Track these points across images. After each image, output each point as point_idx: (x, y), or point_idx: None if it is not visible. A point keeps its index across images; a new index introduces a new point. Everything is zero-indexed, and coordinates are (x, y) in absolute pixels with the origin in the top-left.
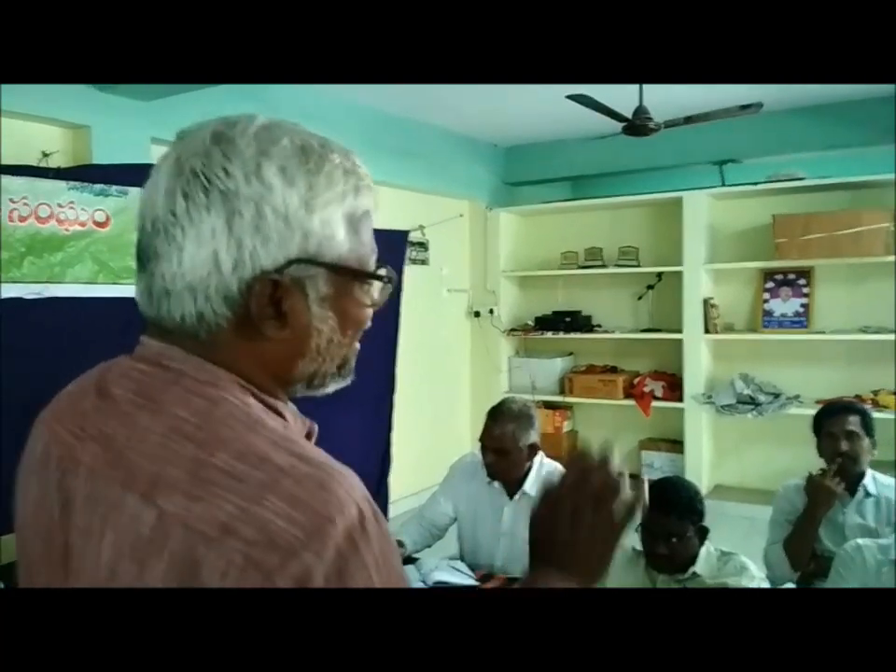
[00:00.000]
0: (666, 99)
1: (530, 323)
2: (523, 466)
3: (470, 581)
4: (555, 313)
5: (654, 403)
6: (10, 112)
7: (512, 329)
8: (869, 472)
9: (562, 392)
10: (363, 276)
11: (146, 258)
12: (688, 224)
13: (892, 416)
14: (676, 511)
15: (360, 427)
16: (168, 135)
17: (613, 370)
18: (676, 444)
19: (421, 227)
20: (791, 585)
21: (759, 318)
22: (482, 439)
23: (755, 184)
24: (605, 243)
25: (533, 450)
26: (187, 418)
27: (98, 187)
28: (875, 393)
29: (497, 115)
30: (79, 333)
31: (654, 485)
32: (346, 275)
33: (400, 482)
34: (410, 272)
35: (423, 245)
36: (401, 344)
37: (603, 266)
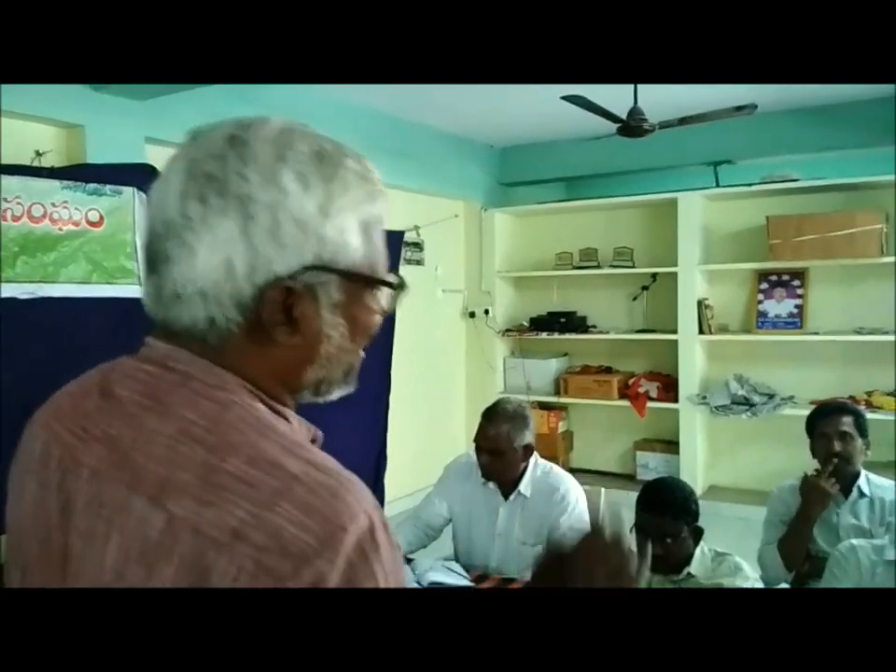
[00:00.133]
0: (661, 100)
1: (525, 323)
2: (518, 466)
3: (465, 582)
4: (550, 313)
5: (649, 404)
6: (4, 111)
7: (507, 330)
8: (863, 473)
9: (557, 393)
10: (375, 283)
11: (156, 260)
12: (682, 225)
13: (886, 417)
14: (670, 511)
15: (356, 428)
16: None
17: (608, 370)
18: (671, 445)
19: (416, 227)
20: (785, 586)
21: (753, 319)
22: (476, 439)
23: (749, 185)
24: (600, 243)
25: (528, 451)
26: (196, 421)
27: (92, 186)
28: (869, 394)
29: (492, 115)
30: (73, 333)
31: (649, 486)
32: (359, 282)
33: (395, 482)
34: (405, 272)
35: (418, 246)
36: (396, 345)
37: (598, 267)
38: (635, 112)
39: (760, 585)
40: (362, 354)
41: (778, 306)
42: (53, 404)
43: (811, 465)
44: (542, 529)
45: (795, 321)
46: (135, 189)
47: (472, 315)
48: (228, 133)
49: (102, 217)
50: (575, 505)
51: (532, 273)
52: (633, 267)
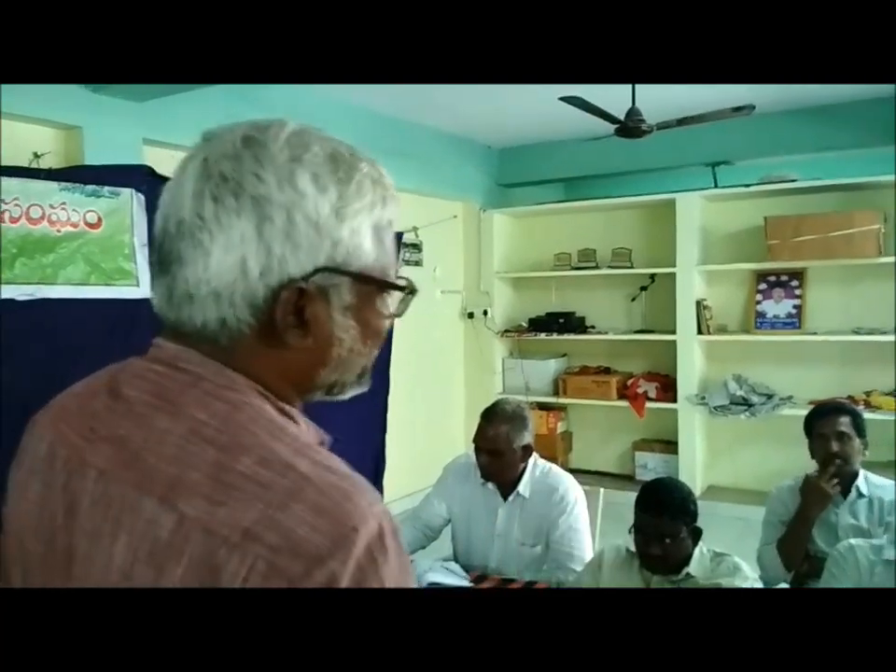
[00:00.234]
0: (659, 101)
1: (524, 324)
2: (517, 467)
3: (464, 583)
4: (549, 314)
5: (648, 404)
6: (3, 113)
7: (506, 331)
8: (861, 473)
9: (556, 393)
10: (387, 286)
11: (168, 261)
12: (681, 226)
13: (884, 417)
14: (669, 512)
15: (354, 429)
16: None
17: (607, 371)
18: (669, 445)
19: (415, 228)
20: (784, 586)
21: (752, 319)
22: (475, 440)
23: (748, 186)
24: (598, 244)
25: (527, 451)
26: (207, 421)
27: (90, 188)
28: (868, 394)
29: (490, 116)
30: (71, 334)
31: (647, 487)
32: (370, 285)
33: (394, 483)
34: (403, 273)
35: (416, 247)
36: (395, 346)
37: (596, 267)
38: (633, 113)
39: (759, 585)
40: (374, 355)
41: (777, 306)
42: (59, 405)
43: (810, 465)
44: (541, 529)
45: (794, 321)
46: (133, 191)
47: (471, 315)
48: (243, 135)
49: (100, 219)
50: (574, 505)
51: (531, 273)
52: (631, 268)
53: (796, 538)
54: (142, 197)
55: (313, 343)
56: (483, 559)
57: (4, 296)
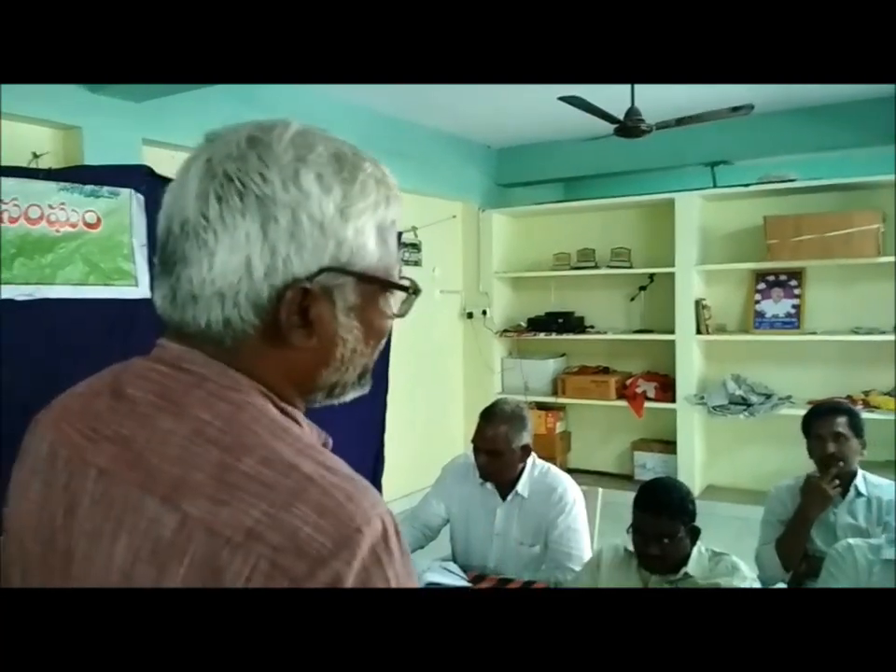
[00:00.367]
0: (658, 101)
1: (523, 324)
2: (515, 467)
3: (463, 583)
4: (548, 314)
5: (647, 404)
6: (1, 113)
7: (505, 331)
8: (860, 473)
9: (555, 393)
10: (391, 286)
11: (171, 261)
12: (680, 225)
13: (883, 417)
14: (667, 511)
15: (354, 429)
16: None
17: (606, 371)
18: (668, 445)
19: (414, 228)
20: (782, 585)
21: (750, 319)
22: (474, 440)
23: (747, 185)
24: (597, 244)
25: (526, 451)
26: (210, 421)
27: (89, 188)
28: (867, 393)
29: (489, 116)
30: (70, 335)
31: (646, 487)
32: (374, 285)
33: (393, 483)
34: (403, 273)
35: (415, 247)
36: (394, 346)
37: (595, 267)
38: (632, 113)
39: (757, 585)
40: (376, 355)
41: (776, 306)
42: (61, 405)
43: (809, 465)
44: (540, 529)
45: (793, 321)
46: (133, 191)
47: (470, 315)
48: (247, 135)
49: (99, 219)
50: (573, 505)
51: (530, 273)
52: (630, 267)
53: (795, 537)
54: (141, 197)
55: (317, 343)
56: (481, 559)
57: (3, 296)
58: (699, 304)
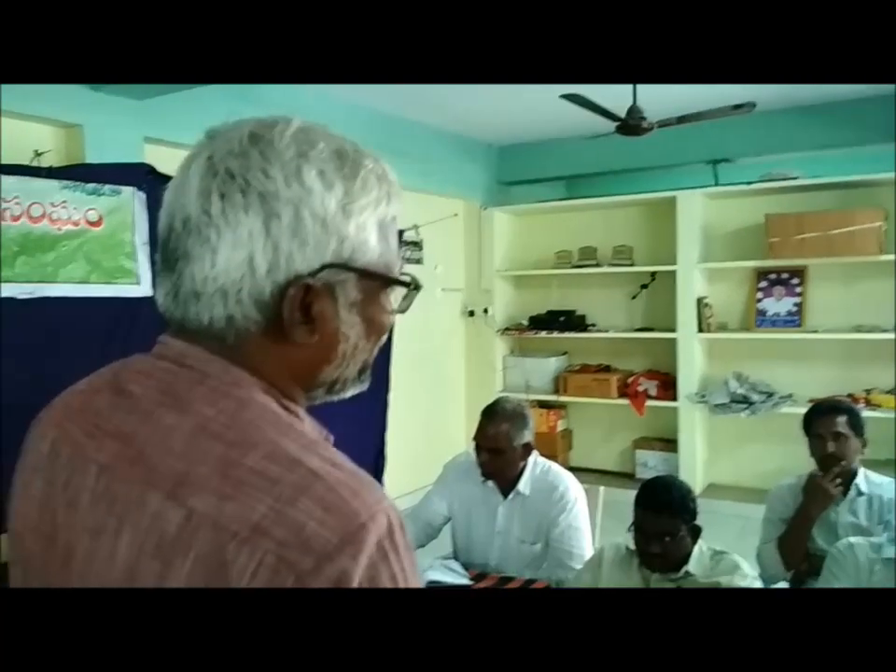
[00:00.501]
0: (660, 98)
1: (524, 322)
2: (517, 465)
3: (464, 581)
4: (550, 312)
5: (648, 402)
6: (2, 111)
7: (507, 329)
8: (861, 471)
9: (556, 391)
10: (392, 282)
11: (173, 258)
12: (682, 223)
13: (885, 415)
14: (668, 510)
15: (355, 427)
16: (161, 134)
17: (607, 369)
18: (670, 443)
19: (415, 226)
20: (783, 584)
21: (752, 317)
22: (476, 438)
23: (748, 183)
24: (599, 242)
25: (527, 449)
26: (214, 417)
27: (91, 186)
28: (868, 392)
29: (490, 114)
30: (72, 333)
31: (647, 485)
32: (375, 281)
33: (395, 481)
34: (404, 271)
35: (417, 245)
36: (396, 344)
37: (597, 265)
38: (633, 110)
39: (758, 583)
40: (376, 351)
41: (777, 304)
42: (62, 403)
43: (810, 463)
44: (541, 528)
45: (794, 319)
46: (135, 189)
47: (472, 313)
48: (249, 132)
49: (101, 217)
50: (574, 503)
51: (531, 271)
52: (632, 265)
53: (796, 536)
54: (143, 195)
55: (319, 339)
56: (483, 557)
57: (4, 294)
58: (701, 302)
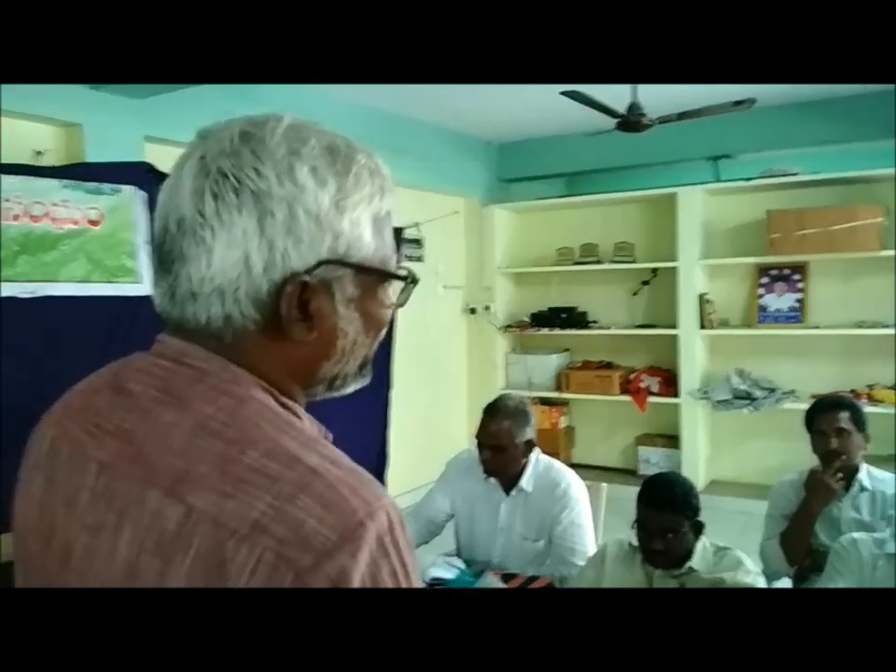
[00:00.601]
0: (660, 95)
1: (526, 319)
2: (519, 462)
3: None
4: (551, 309)
5: (650, 399)
6: (2, 110)
7: (508, 326)
8: (864, 467)
9: (558, 388)
10: (389, 277)
11: (169, 259)
12: (682, 220)
13: (887, 411)
14: (671, 506)
15: (357, 425)
16: (161, 133)
17: (609, 366)
18: (672, 440)
19: (416, 224)
20: (786, 580)
21: (754, 313)
22: (478, 435)
23: (749, 179)
24: (600, 239)
25: (529, 446)
26: (213, 415)
27: (91, 185)
28: (871, 387)
29: (490, 112)
30: (73, 332)
31: (649, 481)
32: (372, 276)
33: (397, 479)
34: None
35: (418, 242)
36: (397, 342)
37: (598, 262)
38: (634, 107)
39: (761, 579)
40: (375, 346)
41: (779, 300)
42: (63, 402)
43: (813, 459)
44: (544, 524)
45: (796, 315)
46: (135, 188)
47: (473, 311)
48: (240, 130)
49: (102, 216)
50: (576, 500)
51: (532, 268)
52: (633, 262)
53: (799, 532)
54: (144, 194)
55: (318, 336)
56: (485, 554)
57: (5, 294)
58: (702, 299)
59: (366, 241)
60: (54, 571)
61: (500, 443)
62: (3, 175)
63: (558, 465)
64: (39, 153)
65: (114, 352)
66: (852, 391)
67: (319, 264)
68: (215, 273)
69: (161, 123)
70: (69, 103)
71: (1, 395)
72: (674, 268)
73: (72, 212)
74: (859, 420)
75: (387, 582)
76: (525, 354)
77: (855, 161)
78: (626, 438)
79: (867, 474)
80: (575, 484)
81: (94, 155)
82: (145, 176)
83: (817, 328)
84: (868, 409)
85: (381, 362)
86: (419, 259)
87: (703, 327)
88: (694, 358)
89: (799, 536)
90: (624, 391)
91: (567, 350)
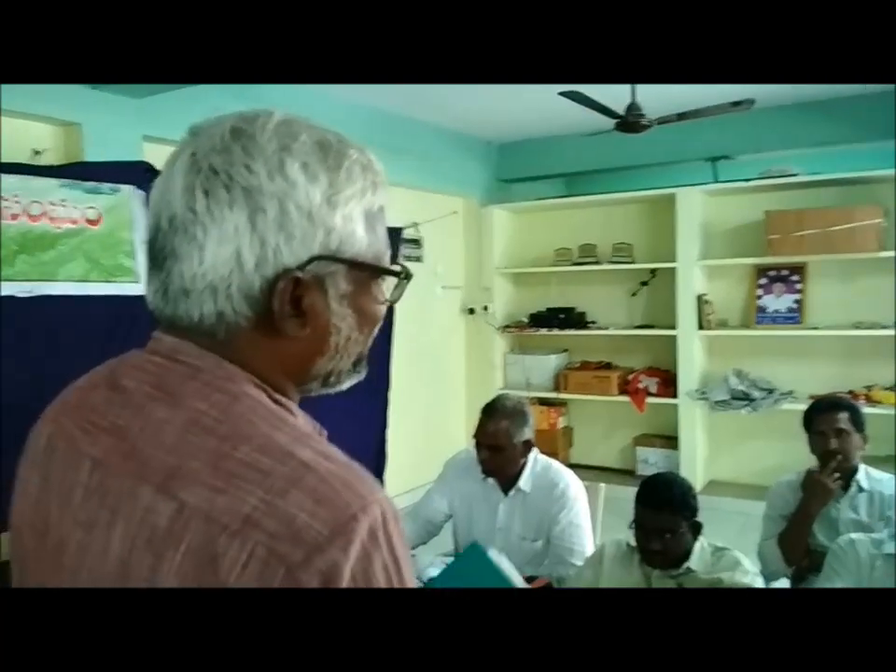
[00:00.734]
0: (659, 95)
1: (524, 320)
2: (517, 462)
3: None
4: (549, 309)
5: (648, 399)
6: (1, 109)
7: (507, 326)
8: (862, 467)
9: (556, 389)
10: (382, 272)
11: (161, 256)
12: (681, 220)
13: (885, 412)
14: (669, 506)
15: (355, 425)
16: (160, 133)
17: (607, 366)
18: (670, 440)
19: (415, 224)
20: (784, 580)
21: (752, 314)
22: (476, 435)
23: (748, 180)
24: (599, 239)
25: (527, 446)
26: (206, 411)
27: (90, 184)
28: (869, 388)
29: (490, 112)
30: (72, 331)
31: (647, 482)
32: (365, 271)
33: (396, 479)
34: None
35: (417, 242)
36: (396, 342)
37: (597, 263)
38: (633, 108)
39: (759, 580)
40: (370, 343)
41: (777, 301)
42: (62, 399)
43: (811, 460)
44: (542, 525)
45: (794, 316)
46: (133, 188)
47: (471, 311)
48: (231, 127)
49: (100, 216)
50: (574, 501)
51: (531, 269)
52: (632, 263)
53: (797, 532)
54: (142, 193)
55: (311, 332)
56: None
57: (4, 293)
58: (701, 299)
59: (358, 236)
60: (48, 568)
61: (498, 443)
62: (1, 175)
63: (556, 465)
64: (38, 152)
65: (112, 351)
66: (850, 392)
67: (311, 260)
68: (206, 270)
69: (159, 123)
70: (68, 102)
71: (0, 394)
72: (673, 268)
73: (70, 211)
74: (857, 421)
75: (379, 577)
76: (523, 354)
77: (854, 161)
78: (625, 438)
79: (865, 475)
80: (573, 485)
81: (93, 154)
82: (143, 176)
83: (815, 329)
84: (866, 410)
85: (379, 362)
86: (418, 259)
87: (701, 327)
88: (693, 359)
89: (797, 536)
90: (623, 391)
91: (565, 350)
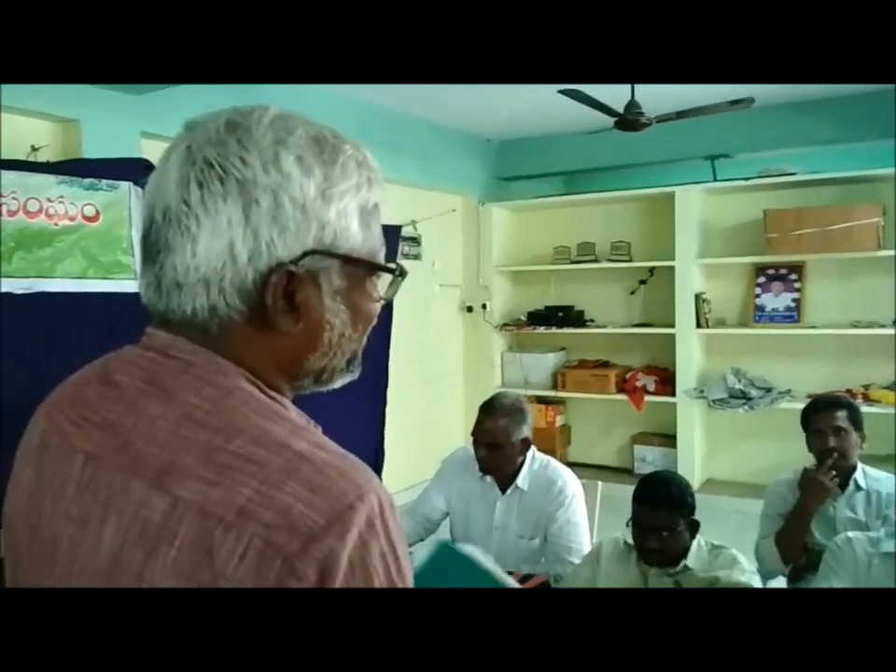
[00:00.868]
0: (658, 94)
1: (523, 318)
2: (515, 460)
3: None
4: (548, 308)
5: (646, 398)
6: (1, 107)
7: (505, 324)
8: (860, 466)
9: (554, 387)
10: (376, 269)
11: (155, 249)
12: (680, 219)
13: (883, 411)
14: (666, 505)
15: (354, 423)
16: (158, 129)
17: (605, 364)
18: (668, 439)
19: (413, 222)
20: (782, 579)
21: (750, 313)
22: (474, 433)
23: (747, 179)
24: (597, 238)
25: (525, 444)
26: (198, 405)
27: (88, 181)
28: (866, 387)
29: (488, 110)
30: (69, 328)
31: (645, 480)
32: (359, 267)
33: (394, 476)
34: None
35: (415, 240)
36: (394, 340)
37: (595, 261)
38: (632, 106)
39: (757, 578)
40: (364, 341)
41: (776, 300)
42: (56, 394)
43: (808, 458)
44: (539, 523)
45: (792, 315)
46: (131, 184)
47: (470, 309)
48: (226, 120)
49: (98, 212)
50: (572, 499)
51: (529, 267)
52: (630, 261)
53: (794, 531)
54: (140, 190)
55: (304, 327)
56: None
57: (2, 290)
58: (699, 298)
59: (353, 231)
60: (41, 563)
61: (496, 441)
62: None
63: (554, 463)
64: (36, 149)
65: (110, 348)
66: (848, 391)
67: (305, 254)
68: (199, 263)
69: (157, 119)
70: (66, 98)
71: None
72: (671, 267)
73: (68, 208)
74: (856, 419)
75: (376, 564)
76: (521, 352)
77: (853, 160)
78: (622, 436)
79: (863, 473)
80: (571, 483)
81: (91, 151)
82: (141, 172)
83: (813, 327)
84: (864, 408)
85: (378, 360)
86: (416, 257)
87: (699, 326)
88: (691, 358)
89: (794, 535)
90: (621, 390)
91: (563, 349)
